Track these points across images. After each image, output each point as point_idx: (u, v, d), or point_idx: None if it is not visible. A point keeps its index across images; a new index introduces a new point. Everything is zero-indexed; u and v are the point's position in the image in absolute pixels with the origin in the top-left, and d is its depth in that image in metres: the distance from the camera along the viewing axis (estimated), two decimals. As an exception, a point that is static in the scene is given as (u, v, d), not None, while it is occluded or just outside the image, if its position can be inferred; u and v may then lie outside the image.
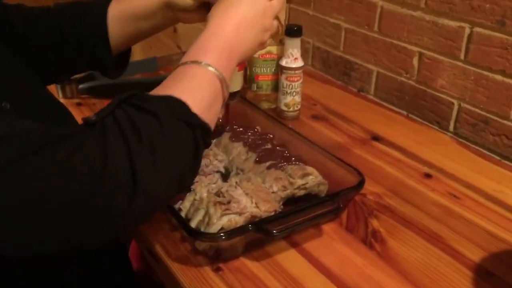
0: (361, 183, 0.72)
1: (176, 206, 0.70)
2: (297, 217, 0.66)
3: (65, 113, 0.74)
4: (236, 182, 0.73)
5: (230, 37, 0.61)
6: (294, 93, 1.02)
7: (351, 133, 1.01)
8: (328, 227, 0.73)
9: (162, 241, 0.69)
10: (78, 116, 1.03)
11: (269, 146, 0.82)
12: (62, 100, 1.10)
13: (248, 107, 0.97)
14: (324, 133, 1.01)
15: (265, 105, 1.08)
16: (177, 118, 0.52)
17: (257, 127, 0.91)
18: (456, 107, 1.04)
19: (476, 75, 0.99)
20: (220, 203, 0.67)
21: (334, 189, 0.74)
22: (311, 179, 0.76)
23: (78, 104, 1.08)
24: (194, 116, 0.53)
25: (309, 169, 0.77)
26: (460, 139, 1.03)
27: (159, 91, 0.55)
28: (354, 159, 0.91)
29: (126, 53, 0.80)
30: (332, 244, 0.70)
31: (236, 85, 0.89)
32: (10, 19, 0.73)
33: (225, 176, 0.81)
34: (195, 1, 0.71)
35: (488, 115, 0.98)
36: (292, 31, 1.00)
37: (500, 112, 0.96)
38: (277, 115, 1.04)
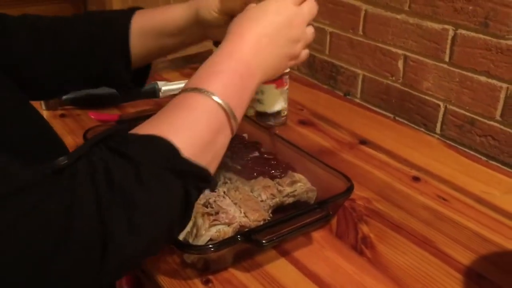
0: (349, 189, 0.72)
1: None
2: (286, 226, 0.65)
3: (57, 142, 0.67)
4: (224, 192, 0.72)
5: (247, 57, 0.55)
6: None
7: (338, 138, 1.01)
8: (318, 235, 0.72)
9: (150, 254, 0.68)
10: (63, 129, 1.02)
11: (256, 154, 0.81)
12: (45, 112, 1.09)
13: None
14: (312, 138, 1.00)
15: (251, 112, 1.08)
16: (162, 167, 0.45)
17: (245, 134, 0.91)
18: (442, 109, 1.04)
19: (461, 77, 0.99)
20: (208, 214, 0.66)
21: (323, 196, 0.74)
22: (299, 186, 0.75)
23: (62, 116, 1.07)
24: (184, 162, 0.46)
25: (298, 176, 0.76)
26: (447, 141, 1.04)
27: (146, 127, 0.48)
28: (342, 164, 0.90)
29: (145, 69, 0.75)
30: (323, 251, 0.69)
31: (274, 105, 0.79)
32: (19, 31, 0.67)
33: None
34: (224, 15, 0.65)
35: (473, 116, 0.99)
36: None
37: (486, 113, 0.96)
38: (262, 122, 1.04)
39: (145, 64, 0.74)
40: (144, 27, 0.69)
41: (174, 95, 0.54)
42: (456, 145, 1.02)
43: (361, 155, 0.94)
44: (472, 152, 1.00)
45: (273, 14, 0.58)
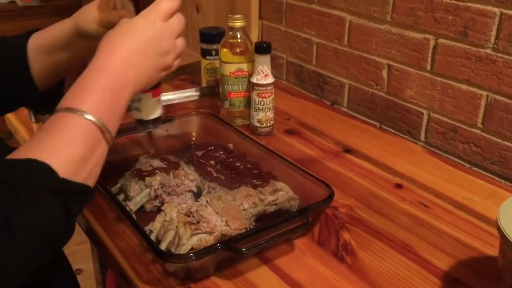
0: (330, 197, 0.73)
1: (147, 228, 0.71)
2: (266, 233, 0.66)
3: None
4: (207, 201, 0.73)
5: (117, 71, 0.58)
6: (266, 109, 1.03)
7: (323, 146, 1.02)
8: (300, 242, 0.74)
9: (133, 263, 0.69)
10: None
11: (239, 164, 0.83)
12: (35, 125, 1.10)
13: (221, 124, 0.98)
14: (297, 147, 1.02)
15: (238, 122, 1.09)
16: (38, 187, 0.48)
17: (230, 144, 0.92)
18: (425, 117, 1.06)
19: (442, 85, 1.01)
20: (190, 223, 0.68)
21: (306, 204, 0.75)
22: (281, 194, 0.76)
23: (52, 128, 1.08)
24: (60, 181, 0.50)
25: (279, 185, 0.78)
26: (431, 148, 1.05)
27: (23, 151, 0.51)
28: (326, 172, 0.92)
29: (57, 87, 0.78)
30: (304, 259, 0.71)
31: (153, 112, 0.79)
32: None
33: (197, 195, 0.81)
34: (104, 27, 0.68)
35: (456, 123, 1.00)
36: (261, 48, 1.01)
37: (467, 120, 0.98)
38: (250, 132, 1.05)
39: (54, 84, 0.77)
40: (39, 46, 0.73)
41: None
42: (440, 152, 1.04)
43: (345, 163, 0.96)
44: (455, 159, 1.01)
45: (142, 30, 0.61)
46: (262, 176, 0.79)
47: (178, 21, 0.65)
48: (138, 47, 0.60)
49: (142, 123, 0.79)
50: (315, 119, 1.14)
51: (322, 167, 0.94)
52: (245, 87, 1.07)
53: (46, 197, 0.49)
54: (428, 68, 1.02)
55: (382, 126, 1.16)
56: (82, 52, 0.74)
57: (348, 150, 1.01)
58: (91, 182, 0.55)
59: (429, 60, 1.02)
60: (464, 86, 0.97)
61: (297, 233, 0.73)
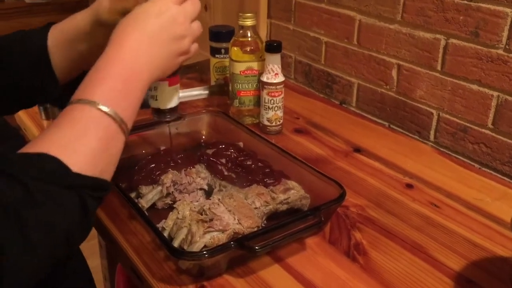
0: (342, 196, 0.73)
1: (160, 225, 0.71)
2: (279, 232, 0.66)
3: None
4: (219, 199, 0.73)
5: (129, 60, 0.57)
6: (276, 108, 1.03)
7: (333, 146, 1.02)
8: (312, 241, 0.74)
9: (146, 260, 0.69)
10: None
11: (251, 162, 0.83)
12: (45, 122, 1.10)
13: (231, 123, 0.98)
14: (307, 146, 1.02)
15: (248, 120, 1.09)
16: (51, 183, 0.47)
17: (240, 143, 0.92)
18: (435, 117, 1.06)
19: (453, 85, 1.01)
20: (203, 221, 0.68)
21: (317, 203, 0.75)
22: (293, 193, 0.76)
23: (62, 125, 1.08)
24: (74, 176, 0.48)
25: (291, 183, 0.78)
26: (440, 149, 1.05)
27: (34, 145, 0.49)
28: (336, 171, 0.92)
29: (78, 80, 0.77)
30: (316, 258, 0.71)
31: (169, 102, 0.77)
32: None
33: (208, 193, 0.81)
34: (120, 14, 0.65)
35: (466, 124, 1.00)
36: (272, 47, 1.01)
37: (478, 120, 0.98)
38: (260, 130, 1.05)
39: (74, 76, 0.75)
40: (59, 38, 0.72)
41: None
42: (450, 153, 1.03)
43: (355, 163, 0.96)
44: (465, 159, 1.01)
45: (154, 15, 0.60)
46: (273, 175, 0.79)
47: (192, 4, 0.63)
48: (150, 33, 0.59)
49: (159, 113, 0.77)
50: (324, 118, 1.14)
51: (333, 166, 0.94)
52: (255, 85, 1.07)
53: (59, 192, 0.47)
54: (439, 68, 1.02)
55: (391, 125, 1.15)
56: (102, 42, 0.72)
57: (358, 150, 1.00)
58: (108, 175, 0.53)
59: (440, 60, 1.02)
60: (474, 87, 0.97)
61: (309, 232, 0.73)
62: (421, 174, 0.92)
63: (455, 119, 1.02)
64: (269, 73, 1.02)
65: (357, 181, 0.90)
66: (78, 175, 0.49)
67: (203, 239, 0.66)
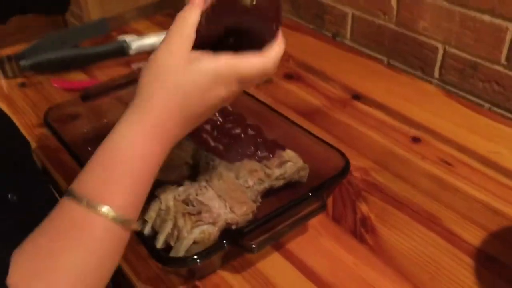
0: (345, 169, 0.64)
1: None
2: (277, 221, 0.58)
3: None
4: (206, 180, 0.64)
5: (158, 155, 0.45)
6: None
7: (329, 93, 0.92)
8: (314, 219, 0.66)
9: (130, 258, 0.61)
10: (24, 102, 0.92)
11: (240, 131, 0.73)
12: (3, 81, 0.98)
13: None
14: (300, 95, 0.91)
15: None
16: None
17: (225, 101, 0.81)
18: (440, 52, 0.95)
19: (461, 16, 0.89)
20: (190, 213, 0.59)
21: (316, 172, 0.67)
22: (289, 166, 0.67)
23: (22, 85, 0.96)
24: None
25: (287, 155, 0.68)
26: (446, 86, 0.95)
27: (32, 252, 0.40)
28: (334, 126, 0.82)
29: None
30: (319, 240, 0.63)
31: None
32: None
33: (194, 167, 0.72)
34: None
35: (476, 60, 0.90)
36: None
37: (490, 56, 0.87)
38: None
39: None
40: None
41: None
42: (457, 91, 0.94)
43: (355, 113, 0.86)
44: (473, 98, 0.92)
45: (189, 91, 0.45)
46: (266, 146, 0.69)
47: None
48: (194, 114, 0.46)
49: None
50: (316, 59, 1.02)
51: (330, 120, 0.84)
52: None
53: None
54: (446, -4, 0.89)
55: (390, 61, 1.04)
56: None
57: (357, 97, 0.90)
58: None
59: (447, -13, 0.89)
60: (486, 18, 0.85)
61: (310, 218, 0.64)
62: (428, 123, 0.83)
63: (463, 54, 0.91)
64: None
65: (358, 137, 0.81)
66: None
67: (191, 235, 0.58)
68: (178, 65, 0.44)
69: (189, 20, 0.45)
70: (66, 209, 0.42)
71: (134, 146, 0.44)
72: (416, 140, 0.80)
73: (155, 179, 0.47)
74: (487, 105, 0.91)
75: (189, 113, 0.45)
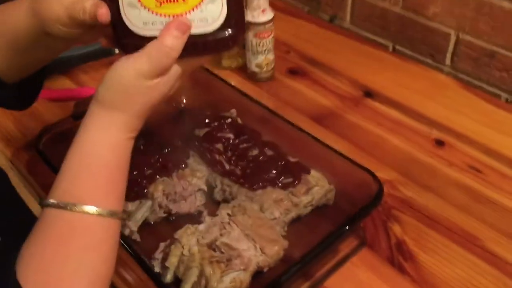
0: (379, 195, 0.58)
1: (157, 255, 0.56)
2: (314, 262, 0.53)
3: None
4: (229, 216, 0.58)
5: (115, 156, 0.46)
6: (266, 51, 0.84)
7: (338, 91, 0.85)
8: (346, 247, 0.61)
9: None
10: (4, 116, 0.82)
11: (257, 151, 0.66)
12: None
13: (216, 81, 0.78)
14: (308, 95, 0.85)
15: (226, 63, 0.90)
16: None
17: (233, 110, 0.74)
18: (453, 39, 0.89)
19: (477, 1, 0.82)
20: (218, 261, 0.53)
21: (344, 192, 0.62)
22: (316, 191, 0.62)
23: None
24: None
25: (313, 178, 0.63)
26: (459, 75, 0.90)
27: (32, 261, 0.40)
28: (350, 130, 0.77)
29: (36, 77, 0.58)
30: (356, 273, 0.58)
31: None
32: None
33: (209, 193, 0.66)
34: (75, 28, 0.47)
35: (493, 48, 0.84)
36: (255, -26, 0.79)
37: (508, 44, 0.82)
38: (247, 77, 0.87)
39: (31, 73, 0.57)
40: None
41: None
42: (471, 80, 0.89)
43: (368, 114, 0.80)
44: (489, 88, 0.87)
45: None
46: (290, 170, 0.63)
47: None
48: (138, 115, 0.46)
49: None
50: (317, 48, 0.96)
51: (343, 123, 0.79)
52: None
53: None
54: (460, -20, 0.83)
55: (396, 47, 0.98)
56: (62, 46, 0.53)
57: (368, 93, 0.84)
58: None
59: (461, -30, 0.82)
60: (506, 4, 0.79)
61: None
62: (449, 122, 0.78)
63: (479, 42, 0.85)
64: (255, 10, 0.80)
65: (377, 143, 0.75)
66: None
67: (222, 284, 0.52)
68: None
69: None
70: (53, 219, 0.43)
71: (102, 143, 0.45)
72: (439, 143, 0.75)
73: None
74: (504, 95, 0.86)
75: (137, 107, 0.46)
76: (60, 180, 0.44)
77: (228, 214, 0.58)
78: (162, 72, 0.44)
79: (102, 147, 0.45)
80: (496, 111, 0.81)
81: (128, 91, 0.44)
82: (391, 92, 0.84)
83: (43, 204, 0.43)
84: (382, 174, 0.70)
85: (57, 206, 0.42)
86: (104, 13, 0.44)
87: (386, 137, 0.76)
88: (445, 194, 0.67)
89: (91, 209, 0.42)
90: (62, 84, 0.88)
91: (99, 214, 0.43)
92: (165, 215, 0.63)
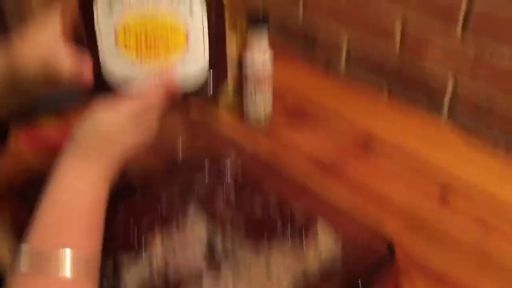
0: (391, 257, 0.56)
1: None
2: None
3: None
4: (234, 282, 0.55)
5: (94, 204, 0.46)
6: (263, 94, 0.81)
7: (337, 140, 0.84)
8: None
9: None
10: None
11: (259, 203, 0.63)
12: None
13: (213, 129, 0.75)
14: (305, 147, 0.82)
15: (224, 109, 0.87)
16: None
17: (231, 158, 0.71)
18: (449, 89, 0.88)
19: (477, 50, 0.82)
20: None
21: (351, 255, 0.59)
22: (325, 256, 0.59)
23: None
24: None
25: (322, 243, 0.60)
26: (458, 122, 0.89)
27: None
28: (351, 184, 0.75)
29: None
30: None
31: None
32: None
33: (209, 244, 0.62)
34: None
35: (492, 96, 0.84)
36: (257, 19, 0.77)
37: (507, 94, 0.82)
38: (244, 125, 0.85)
39: None
40: None
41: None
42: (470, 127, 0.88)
43: (370, 163, 0.79)
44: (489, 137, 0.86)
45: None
46: (297, 221, 0.60)
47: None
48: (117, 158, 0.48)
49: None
50: (311, 90, 0.94)
51: (343, 177, 0.76)
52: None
53: None
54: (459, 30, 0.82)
55: (392, 91, 0.97)
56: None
57: (369, 141, 0.83)
58: None
59: (461, 20, 0.82)
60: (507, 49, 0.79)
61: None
62: (452, 179, 0.76)
63: (477, 90, 0.85)
64: (253, 50, 0.78)
65: (382, 197, 0.73)
66: None
67: None
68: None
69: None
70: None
71: (79, 191, 0.45)
72: (444, 200, 0.73)
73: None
74: (503, 144, 0.85)
75: (114, 154, 0.47)
76: (37, 226, 0.44)
77: (232, 279, 0.55)
78: (143, 122, 0.46)
79: (78, 195, 0.45)
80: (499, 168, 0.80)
81: (106, 138, 0.45)
82: (391, 139, 0.83)
83: (18, 252, 0.42)
84: (390, 229, 0.67)
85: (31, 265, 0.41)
86: (87, 78, 0.45)
87: (390, 189, 0.74)
88: (457, 258, 0.64)
89: (68, 254, 0.41)
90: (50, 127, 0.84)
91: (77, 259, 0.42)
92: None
